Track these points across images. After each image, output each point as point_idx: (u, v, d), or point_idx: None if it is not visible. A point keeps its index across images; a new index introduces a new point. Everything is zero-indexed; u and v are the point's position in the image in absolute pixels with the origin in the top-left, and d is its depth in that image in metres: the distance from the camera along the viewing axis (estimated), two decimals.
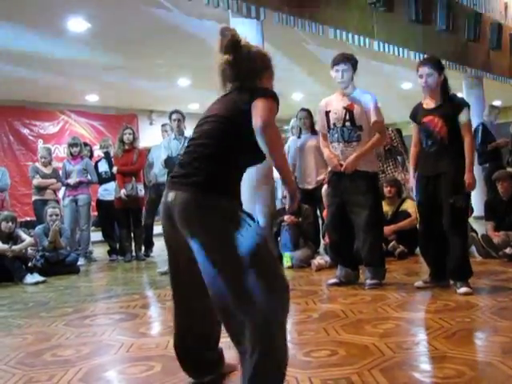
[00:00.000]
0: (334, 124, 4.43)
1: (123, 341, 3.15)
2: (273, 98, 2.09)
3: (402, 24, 7.97)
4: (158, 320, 3.95)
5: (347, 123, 4.38)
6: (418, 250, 6.09)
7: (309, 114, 6.75)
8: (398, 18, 7.88)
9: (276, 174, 6.91)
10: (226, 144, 2.09)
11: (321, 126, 4.63)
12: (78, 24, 7.33)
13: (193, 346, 2.28)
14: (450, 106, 4.03)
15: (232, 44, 2.17)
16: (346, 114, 4.38)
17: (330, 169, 4.56)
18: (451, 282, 4.06)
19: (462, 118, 3.99)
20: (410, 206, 6.22)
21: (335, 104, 4.48)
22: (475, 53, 9.83)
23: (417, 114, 4.20)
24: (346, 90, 4.45)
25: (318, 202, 6.46)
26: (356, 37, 7.38)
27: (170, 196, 2.08)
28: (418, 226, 4.68)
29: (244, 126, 2.04)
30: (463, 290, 3.86)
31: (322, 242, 6.34)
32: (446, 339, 2.77)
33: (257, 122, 1.99)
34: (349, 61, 4.41)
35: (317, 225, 6.57)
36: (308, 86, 11.77)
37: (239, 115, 2.08)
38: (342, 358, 2.59)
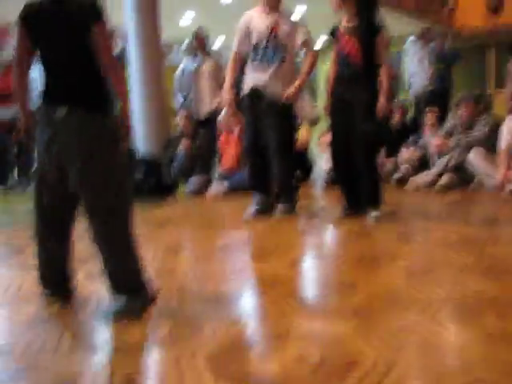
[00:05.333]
0: (257, 44, 4.16)
1: (12, 279, 2.86)
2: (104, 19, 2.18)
3: None
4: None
5: (271, 43, 4.13)
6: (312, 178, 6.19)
7: (204, 34, 6.44)
8: None
9: None
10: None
11: (238, 44, 4.29)
12: None
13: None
14: (366, 26, 3.89)
15: None
16: (270, 33, 4.13)
17: (245, 91, 4.28)
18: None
19: (378, 40, 3.88)
20: (303, 131, 6.17)
21: (258, 21, 4.19)
22: None
23: (335, 32, 4.06)
24: (270, 6, 4.16)
25: (214, 127, 6.28)
26: None
27: (57, 112, 2.13)
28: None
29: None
30: (374, 213, 3.87)
31: (218, 168, 6.21)
32: (352, 265, 2.79)
33: (105, 60, 2.18)
34: None
35: (212, 151, 6.40)
36: (201, 4, 11.17)
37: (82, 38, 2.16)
38: (254, 288, 2.52)
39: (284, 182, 4.27)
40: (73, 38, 2.18)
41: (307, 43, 4.23)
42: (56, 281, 2.39)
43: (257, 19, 4.20)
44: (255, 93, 4.20)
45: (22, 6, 2.25)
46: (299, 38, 4.18)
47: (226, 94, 4.29)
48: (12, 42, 7.81)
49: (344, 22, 4.01)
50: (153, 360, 1.81)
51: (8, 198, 6.37)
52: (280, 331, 1.97)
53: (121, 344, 1.94)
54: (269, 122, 4.17)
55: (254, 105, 4.22)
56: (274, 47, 4.13)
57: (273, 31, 4.12)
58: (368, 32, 3.89)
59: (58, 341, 1.95)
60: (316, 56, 4.30)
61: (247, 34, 4.21)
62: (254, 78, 4.21)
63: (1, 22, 11.18)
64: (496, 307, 2.12)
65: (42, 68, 2.25)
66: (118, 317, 2.14)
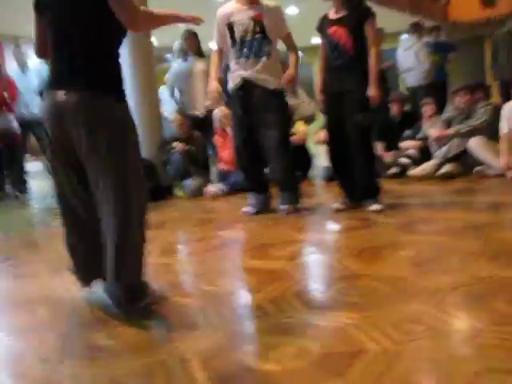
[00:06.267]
0: (243, 37, 3.97)
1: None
2: None
3: None
4: (39, 260, 3.51)
5: (257, 35, 3.95)
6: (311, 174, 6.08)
7: (195, 35, 6.32)
8: None
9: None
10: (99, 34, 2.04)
11: (219, 40, 4.11)
12: None
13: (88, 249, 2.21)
14: (354, 15, 3.78)
15: None
16: (255, 26, 3.95)
17: (231, 86, 4.11)
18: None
19: (368, 27, 3.77)
20: (299, 126, 6.05)
21: (240, 14, 3.99)
22: None
23: (322, 25, 3.96)
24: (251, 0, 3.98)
25: (209, 128, 6.17)
26: None
27: (59, 96, 2.00)
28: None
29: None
30: (374, 206, 3.77)
31: (214, 169, 6.10)
32: (353, 257, 2.68)
33: (126, 20, 1.99)
34: None
35: (207, 152, 6.30)
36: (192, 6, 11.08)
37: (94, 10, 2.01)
38: (251, 284, 2.41)
39: (286, 180, 4.10)
40: (83, 11, 2.01)
41: (290, 37, 4.10)
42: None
43: (237, 12, 4.00)
44: (245, 85, 4.01)
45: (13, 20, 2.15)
46: (283, 31, 4.05)
47: (213, 87, 4.09)
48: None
49: (331, 13, 3.90)
50: (143, 362, 1.69)
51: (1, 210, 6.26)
52: (278, 326, 1.86)
53: (111, 346, 1.83)
54: (263, 117, 3.98)
55: (244, 99, 4.04)
56: (261, 39, 3.96)
57: (257, 23, 3.96)
58: (357, 19, 3.77)
59: (50, 349, 1.84)
60: (296, 54, 4.13)
61: (228, 28, 4.01)
62: (241, 73, 4.01)
63: None
64: (506, 292, 2.01)
65: (51, 51, 2.11)
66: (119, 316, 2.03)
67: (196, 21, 2.21)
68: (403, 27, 8.85)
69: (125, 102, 2.09)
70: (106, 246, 2.04)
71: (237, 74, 4.04)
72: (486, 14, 13.54)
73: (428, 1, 13.75)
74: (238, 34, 3.99)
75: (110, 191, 1.99)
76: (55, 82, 2.06)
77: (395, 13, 11.92)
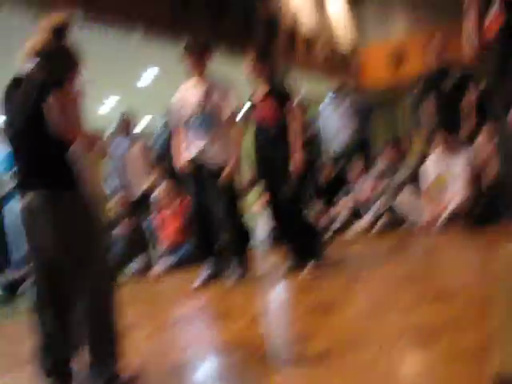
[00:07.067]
0: (190, 115, 4.28)
1: None
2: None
3: None
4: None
5: (202, 115, 4.25)
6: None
7: (128, 119, 6.52)
8: None
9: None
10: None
11: (176, 121, 4.43)
12: None
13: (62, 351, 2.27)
14: (276, 94, 4.13)
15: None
16: (200, 106, 4.26)
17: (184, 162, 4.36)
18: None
19: (288, 107, 4.10)
20: None
21: (189, 95, 4.32)
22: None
23: (252, 101, 4.28)
24: (197, 75, 4.30)
25: (146, 209, 6.23)
26: None
27: (25, 198, 2.16)
28: None
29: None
30: (313, 265, 3.97)
31: (159, 246, 6.16)
32: (308, 315, 2.87)
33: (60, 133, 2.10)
34: (199, 48, 4.26)
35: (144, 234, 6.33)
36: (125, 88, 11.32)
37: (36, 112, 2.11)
38: (217, 352, 2.53)
39: (233, 249, 4.27)
40: (27, 113, 2.13)
41: (232, 119, 4.35)
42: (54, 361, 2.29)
43: (188, 93, 4.34)
44: (194, 163, 4.28)
45: None
46: (226, 113, 4.31)
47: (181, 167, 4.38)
48: None
49: (258, 88, 4.25)
50: None
51: None
52: None
53: None
54: (211, 190, 4.24)
55: (195, 175, 4.30)
56: (206, 117, 4.26)
57: (203, 104, 4.26)
58: (279, 97, 4.12)
59: None
60: (240, 131, 4.41)
61: (180, 107, 4.34)
62: (191, 147, 4.30)
63: None
64: (449, 329, 2.26)
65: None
66: None
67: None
68: (320, 92, 9.35)
69: (79, 188, 2.20)
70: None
71: (187, 149, 4.32)
72: (396, 76, 14.60)
73: (341, 68, 14.71)
74: (187, 112, 4.29)
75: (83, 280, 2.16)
76: (20, 183, 2.23)
77: (311, 79, 12.67)
